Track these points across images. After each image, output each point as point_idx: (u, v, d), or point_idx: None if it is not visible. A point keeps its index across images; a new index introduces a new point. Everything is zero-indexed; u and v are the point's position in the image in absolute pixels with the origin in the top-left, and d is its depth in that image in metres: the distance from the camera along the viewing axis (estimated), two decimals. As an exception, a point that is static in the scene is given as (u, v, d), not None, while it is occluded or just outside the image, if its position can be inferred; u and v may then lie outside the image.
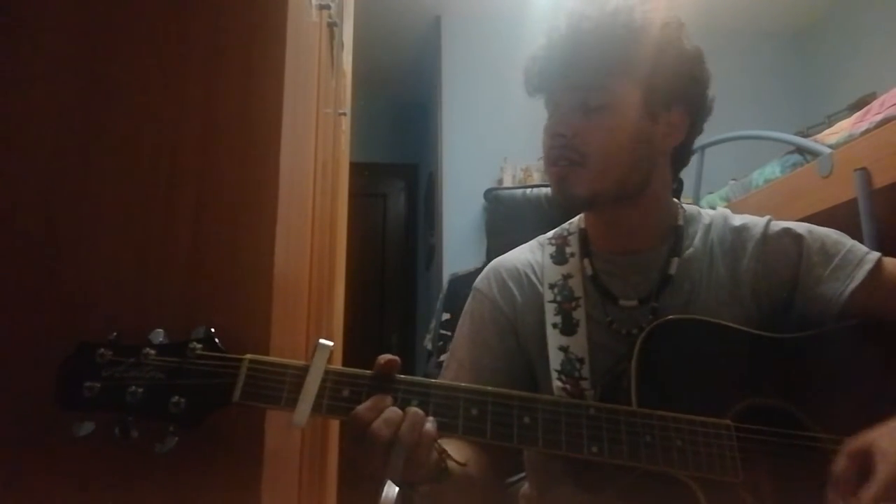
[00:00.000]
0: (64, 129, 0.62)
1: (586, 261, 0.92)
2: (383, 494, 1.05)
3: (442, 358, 2.38)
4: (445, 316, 2.48)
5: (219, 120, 0.64)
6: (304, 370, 0.60)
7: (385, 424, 0.59)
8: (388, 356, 0.63)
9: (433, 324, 2.64)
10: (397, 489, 0.71)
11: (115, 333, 0.57)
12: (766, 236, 0.89)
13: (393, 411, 0.60)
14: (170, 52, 0.64)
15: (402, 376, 0.64)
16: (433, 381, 0.65)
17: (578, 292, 0.90)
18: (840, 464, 0.67)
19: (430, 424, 0.61)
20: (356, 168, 2.08)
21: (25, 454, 0.57)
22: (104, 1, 0.65)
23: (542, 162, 0.91)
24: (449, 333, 2.38)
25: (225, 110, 0.64)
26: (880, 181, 1.49)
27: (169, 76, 0.64)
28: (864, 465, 0.66)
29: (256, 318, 0.61)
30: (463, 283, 2.41)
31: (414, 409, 0.61)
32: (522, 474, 1.05)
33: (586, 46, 0.84)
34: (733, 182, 2.45)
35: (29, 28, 0.63)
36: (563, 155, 0.85)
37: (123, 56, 0.64)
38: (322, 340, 0.61)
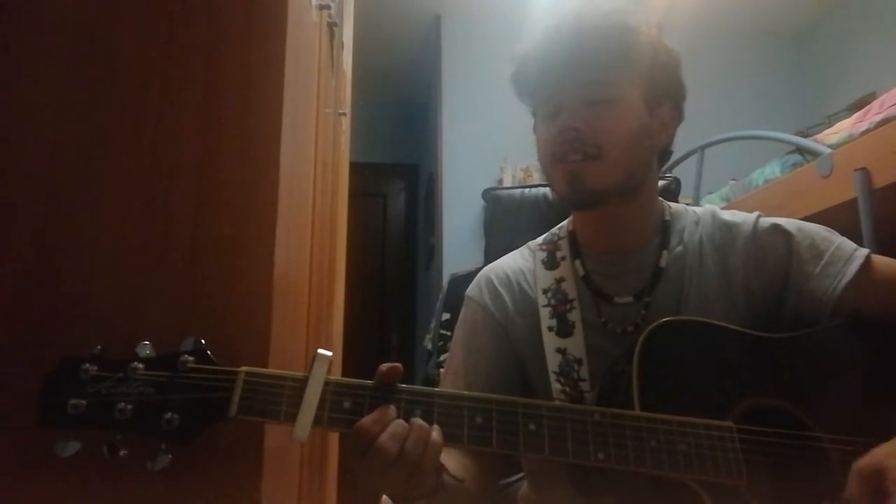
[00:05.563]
0: (63, 130, 0.62)
1: (577, 262, 0.93)
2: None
3: (442, 358, 2.39)
4: (445, 316, 2.48)
5: (219, 120, 0.63)
6: (303, 382, 0.58)
7: (391, 438, 0.57)
8: (389, 364, 0.61)
9: (433, 324, 2.64)
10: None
11: (98, 347, 0.55)
12: (755, 233, 0.89)
13: (399, 424, 0.58)
14: (170, 52, 0.64)
15: (404, 385, 0.62)
16: (436, 389, 0.63)
17: (572, 294, 0.90)
18: (852, 486, 0.66)
19: (435, 434, 0.59)
20: (356, 168, 2.07)
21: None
22: (104, 1, 0.64)
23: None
24: (449, 333, 2.37)
25: (225, 110, 0.64)
26: (880, 181, 1.50)
27: (169, 76, 0.64)
28: (877, 486, 0.64)
29: (257, 320, 0.60)
30: (463, 283, 2.40)
31: (419, 422, 0.59)
32: (521, 475, 1.05)
33: (591, 42, 0.85)
34: (733, 182, 2.46)
35: (29, 28, 0.63)
36: (577, 149, 0.84)
37: (123, 56, 0.64)
38: (321, 350, 0.60)
